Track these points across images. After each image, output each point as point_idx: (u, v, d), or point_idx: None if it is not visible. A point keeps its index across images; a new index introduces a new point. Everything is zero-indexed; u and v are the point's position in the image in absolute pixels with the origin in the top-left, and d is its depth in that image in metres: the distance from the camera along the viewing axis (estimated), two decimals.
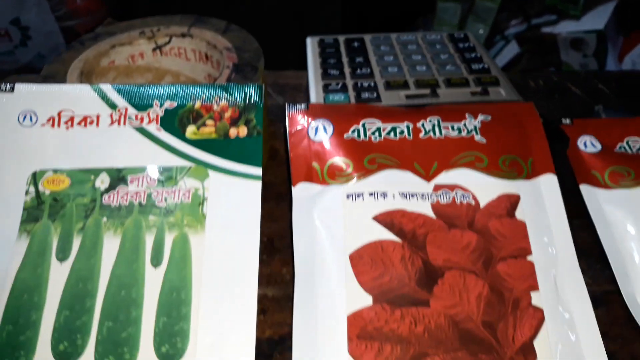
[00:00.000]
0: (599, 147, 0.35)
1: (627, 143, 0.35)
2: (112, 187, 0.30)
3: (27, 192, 0.30)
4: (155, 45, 0.41)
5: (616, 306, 0.31)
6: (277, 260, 0.34)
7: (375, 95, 0.40)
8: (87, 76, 0.37)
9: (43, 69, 0.37)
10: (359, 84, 0.41)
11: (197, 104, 0.32)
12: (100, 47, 0.39)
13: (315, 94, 0.41)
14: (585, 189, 0.33)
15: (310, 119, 0.33)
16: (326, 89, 0.41)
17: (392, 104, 0.39)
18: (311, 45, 0.48)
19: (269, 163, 0.41)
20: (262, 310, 0.31)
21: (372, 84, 0.41)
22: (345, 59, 0.45)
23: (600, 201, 0.33)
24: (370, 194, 0.31)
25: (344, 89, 0.41)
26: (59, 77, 0.36)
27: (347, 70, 0.43)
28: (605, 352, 0.27)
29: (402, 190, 0.31)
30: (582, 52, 1.23)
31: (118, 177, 0.31)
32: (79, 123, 0.32)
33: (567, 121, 0.36)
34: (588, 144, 0.35)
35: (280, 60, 0.52)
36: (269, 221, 0.36)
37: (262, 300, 0.32)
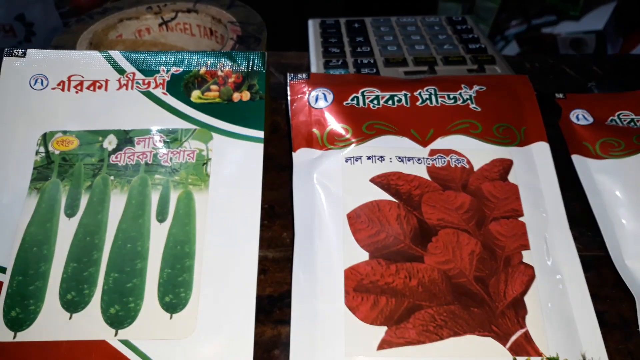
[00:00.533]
0: (590, 120, 0.36)
1: (618, 116, 0.36)
2: (119, 147, 0.31)
3: (37, 152, 0.31)
4: (161, 21, 0.42)
5: (606, 270, 0.32)
6: (277, 225, 0.35)
7: (374, 71, 0.41)
8: (95, 48, 0.38)
9: (53, 39, 0.38)
10: (359, 61, 0.42)
11: (202, 70, 0.33)
12: (108, 20, 0.40)
13: (316, 70, 0.42)
14: (577, 159, 0.35)
15: (310, 88, 0.34)
16: (327, 65, 0.42)
17: None
18: (313, 26, 0.49)
19: (271, 136, 0.42)
20: (262, 270, 0.32)
21: (372, 61, 0.42)
22: (345, 39, 0.46)
23: (591, 170, 0.34)
24: (368, 158, 0.32)
25: (345, 65, 0.42)
26: (68, 47, 0.37)
27: (347, 49, 0.45)
28: (593, 309, 0.28)
29: (399, 154, 0.32)
30: (582, 52, 1.24)
31: (125, 139, 0.32)
32: (88, 87, 0.33)
33: (560, 95, 0.37)
34: (580, 117, 0.36)
35: (283, 43, 0.54)
36: (271, 189, 0.37)
37: (262, 261, 0.33)
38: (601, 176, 0.34)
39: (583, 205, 0.34)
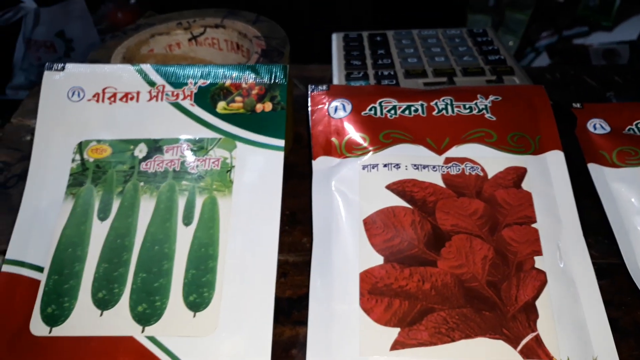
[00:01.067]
0: (608, 129, 0.37)
1: (637, 126, 0.37)
2: (149, 155, 0.33)
3: (73, 160, 0.33)
4: (191, 36, 0.44)
5: (621, 277, 0.32)
6: (298, 230, 0.37)
7: (394, 82, 0.42)
8: (128, 62, 0.40)
9: (89, 54, 0.40)
10: (379, 73, 0.44)
11: (228, 82, 0.35)
12: (140, 36, 0.42)
13: (337, 82, 0.43)
14: (593, 168, 0.35)
15: (330, 99, 0.36)
16: (348, 77, 0.44)
17: None
18: (336, 40, 0.51)
19: (294, 146, 0.43)
20: (282, 274, 0.34)
21: (392, 73, 0.44)
22: (367, 52, 0.48)
23: (607, 179, 0.34)
24: (385, 165, 0.33)
25: (365, 77, 0.43)
26: (103, 62, 0.39)
27: (369, 62, 0.46)
28: (606, 315, 0.28)
29: (415, 162, 0.33)
30: (616, 62, 1.22)
31: (155, 147, 0.34)
32: (121, 99, 0.35)
33: (577, 105, 0.38)
34: (597, 126, 0.37)
35: (307, 56, 0.55)
36: (292, 197, 0.39)
37: (283, 265, 0.34)
38: (617, 184, 0.34)
39: (599, 213, 0.34)
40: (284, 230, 0.36)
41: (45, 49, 1.14)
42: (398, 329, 0.28)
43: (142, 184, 0.33)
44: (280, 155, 0.33)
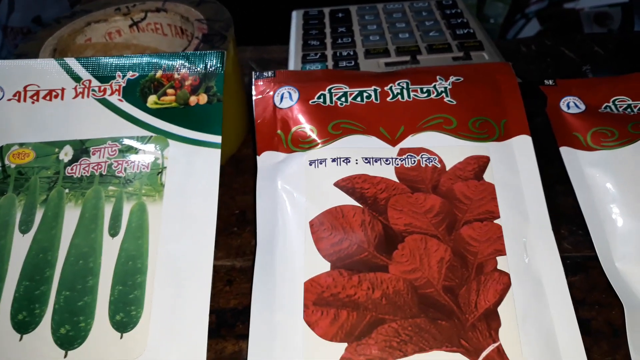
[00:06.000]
0: (582, 107, 0.33)
1: (614, 103, 0.33)
2: (75, 159, 0.30)
3: None
4: (131, 22, 0.40)
5: (596, 272, 0.29)
6: (247, 232, 0.34)
7: (353, 63, 0.39)
8: (61, 54, 0.37)
9: (17, 47, 0.37)
10: (337, 53, 0.40)
11: (159, 74, 0.31)
12: (75, 24, 0.39)
13: (293, 65, 0.40)
14: (566, 151, 0.32)
15: (276, 87, 0.33)
16: (304, 59, 0.40)
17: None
18: (296, 18, 0.47)
19: (247, 137, 0.40)
20: (228, 281, 0.31)
21: (352, 53, 0.40)
22: (327, 30, 0.44)
23: (581, 164, 0.31)
24: (333, 160, 0.30)
25: (323, 58, 0.40)
26: (31, 56, 0.36)
27: (328, 41, 0.43)
28: (576, 319, 0.26)
29: (366, 155, 0.30)
30: (607, 27, 1.18)
31: (81, 149, 0.31)
32: (44, 97, 0.32)
33: (549, 82, 0.34)
34: (571, 105, 0.33)
35: (277, 35, 0.51)
36: (242, 194, 0.36)
37: (229, 271, 0.32)
38: (591, 169, 0.31)
39: (573, 201, 0.31)
40: (232, 232, 0.33)
41: (23, 36, 1.10)
42: (345, 344, 0.25)
43: (67, 190, 0.30)
44: (217, 153, 0.30)
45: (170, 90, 0.31)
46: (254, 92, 0.33)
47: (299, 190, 0.29)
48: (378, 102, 0.31)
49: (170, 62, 0.32)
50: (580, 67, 0.42)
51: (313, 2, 0.51)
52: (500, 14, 1.23)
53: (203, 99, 0.31)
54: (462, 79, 0.32)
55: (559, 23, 1.21)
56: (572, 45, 0.45)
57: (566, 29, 1.19)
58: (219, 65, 0.31)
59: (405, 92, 0.32)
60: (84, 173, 0.30)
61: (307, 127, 0.31)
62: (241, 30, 0.41)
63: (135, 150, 0.30)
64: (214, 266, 0.31)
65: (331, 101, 0.32)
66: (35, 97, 0.32)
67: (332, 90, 0.32)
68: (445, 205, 0.28)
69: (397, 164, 0.29)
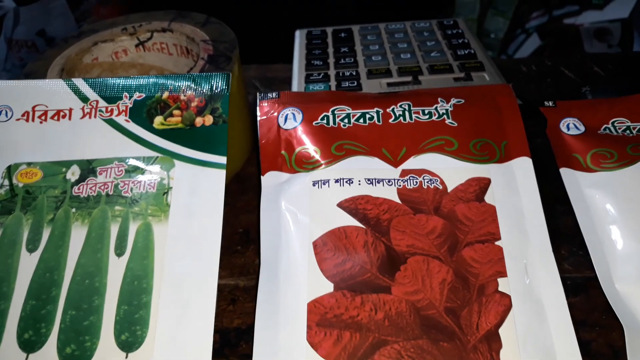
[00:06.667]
0: (582, 129, 0.34)
1: (613, 124, 0.34)
2: (82, 178, 0.31)
3: (1, 186, 0.31)
4: (137, 41, 0.41)
5: (596, 293, 0.30)
6: (251, 250, 0.34)
7: (355, 84, 0.39)
8: (68, 73, 0.38)
9: (25, 65, 0.37)
10: (340, 73, 0.41)
11: (165, 95, 0.32)
12: (82, 44, 0.39)
13: (297, 85, 0.41)
14: (566, 173, 0.32)
15: (280, 108, 0.33)
16: (308, 79, 0.41)
17: (373, 92, 0.38)
18: (299, 37, 0.48)
19: (252, 155, 0.41)
20: (232, 300, 0.31)
21: (354, 73, 0.41)
22: (330, 50, 0.45)
23: (581, 185, 0.32)
24: (336, 181, 0.30)
25: (326, 78, 0.40)
26: (39, 75, 0.36)
27: (331, 61, 0.43)
28: (576, 341, 0.26)
29: (369, 176, 0.30)
30: (607, 43, 1.19)
31: (88, 169, 0.31)
32: (52, 117, 0.32)
33: (549, 103, 0.35)
34: (571, 126, 0.34)
35: (280, 54, 0.52)
36: (246, 212, 0.36)
37: (233, 290, 0.32)
38: (591, 190, 0.31)
39: (574, 221, 0.32)
40: (236, 251, 0.34)
41: (27, 49, 1.11)
42: None
43: (74, 210, 0.30)
44: (222, 173, 0.30)
45: (176, 112, 0.32)
46: (258, 113, 0.33)
47: (302, 211, 0.30)
48: (380, 123, 0.32)
49: (177, 84, 0.32)
50: (579, 87, 0.43)
51: (316, 21, 0.52)
52: (501, 29, 1.24)
53: (209, 120, 0.31)
54: (463, 101, 0.32)
55: (559, 38, 1.21)
56: (572, 65, 0.45)
57: (566, 44, 1.20)
58: (224, 87, 0.32)
59: (407, 113, 0.32)
60: (91, 193, 0.30)
61: (310, 148, 0.32)
62: (245, 48, 0.41)
63: (142, 171, 0.30)
64: (218, 285, 0.32)
65: (334, 122, 0.32)
66: (43, 117, 0.32)
67: (335, 112, 0.32)
68: (447, 227, 0.28)
69: (400, 185, 0.30)
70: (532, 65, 0.46)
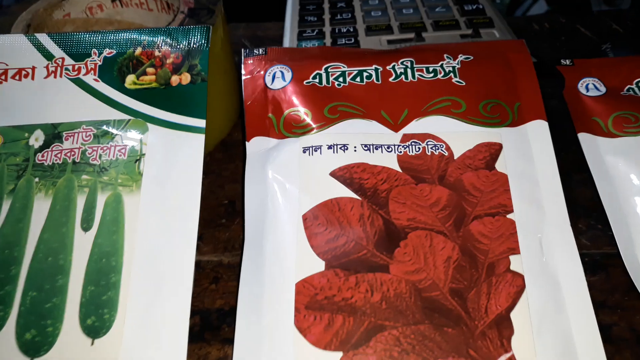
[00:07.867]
0: (603, 90, 0.30)
1: (637, 84, 0.30)
2: (46, 144, 0.28)
3: None
4: None
5: (618, 272, 0.27)
6: (237, 224, 0.31)
7: (353, 41, 0.36)
8: (36, 30, 0.34)
9: None
10: (336, 30, 0.37)
11: (138, 51, 0.29)
12: None
13: (288, 43, 0.37)
14: (585, 138, 0.29)
15: (267, 66, 0.30)
16: (300, 36, 0.37)
17: None
18: None
19: (239, 120, 0.37)
20: (214, 279, 0.28)
21: (352, 29, 0.37)
22: (326, 5, 0.41)
23: (602, 152, 0.28)
24: (329, 147, 0.27)
25: (320, 35, 0.37)
26: (3, 31, 0.33)
27: (326, 16, 0.39)
28: (597, 326, 0.23)
29: (365, 141, 0.27)
30: (617, 5, 1.14)
31: (53, 134, 0.28)
32: (13, 77, 0.29)
33: (566, 62, 0.31)
34: (591, 87, 0.30)
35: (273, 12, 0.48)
36: (232, 182, 0.33)
37: (216, 267, 0.29)
38: (613, 158, 0.28)
39: (592, 192, 0.28)
40: (220, 224, 0.31)
41: None
42: (340, 353, 0.22)
43: (37, 179, 0.27)
44: (201, 138, 0.27)
45: (150, 69, 0.28)
46: (243, 72, 0.30)
47: (291, 181, 0.27)
48: (379, 82, 0.28)
49: (151, 39, 0.29)
50: (597, 45, 0.39)
51: None
52: None
53: (186, 78, 0.28)
54: (471, 57, 0.29)
55: (567, 2, 1.16)
56: (588, 23, 0.41)
57: (574, 8, 1.15)
58: (203, 41, 0.28)
59: (409, 71, 0.29)
60: (56, 160, 0.27)
61: (301, 110, 0.28)
62: (234, 6, 0.38)
63: (112, 136, 0.27)
64: (199, 262, 0.29)
65: (328, 82, 0.29)
66: (3, 77, 0.29)
67: (329, 70, 0.29)
68: (453, 198, 0.25)
69: (400, 152, 0.27)
70: (544, 22, 0.42)
